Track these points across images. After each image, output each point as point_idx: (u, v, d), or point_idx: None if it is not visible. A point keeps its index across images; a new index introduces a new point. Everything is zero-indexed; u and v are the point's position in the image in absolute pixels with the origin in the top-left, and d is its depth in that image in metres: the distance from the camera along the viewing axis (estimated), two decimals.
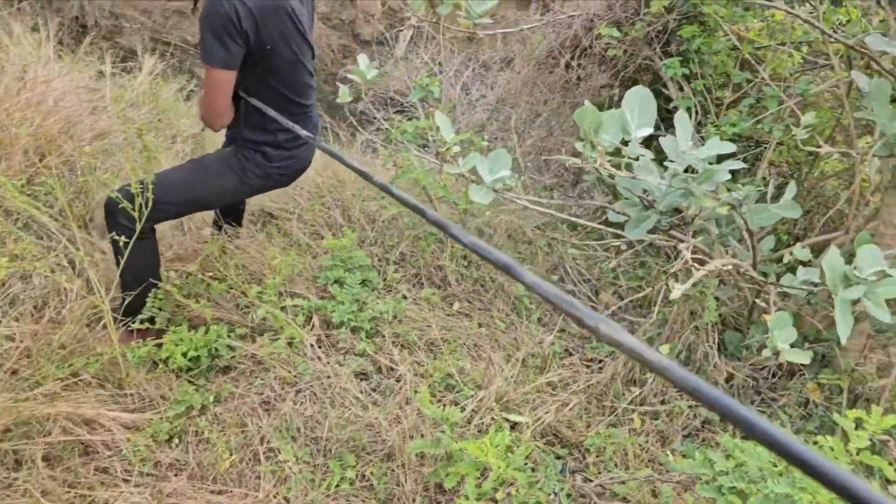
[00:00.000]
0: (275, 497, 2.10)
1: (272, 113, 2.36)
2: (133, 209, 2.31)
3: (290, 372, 2.48)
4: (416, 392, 2.46)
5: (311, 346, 2.57)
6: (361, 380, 2.58)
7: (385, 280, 3.15)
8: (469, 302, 3.26)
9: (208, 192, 2.52)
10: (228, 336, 2.55)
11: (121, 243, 2.34)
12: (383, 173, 4.20)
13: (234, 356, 2.53)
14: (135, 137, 3.28)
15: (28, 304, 2.49)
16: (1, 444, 1.95)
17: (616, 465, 2.54)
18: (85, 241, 2.86)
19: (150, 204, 2.32)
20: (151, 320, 2.50)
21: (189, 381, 2.42)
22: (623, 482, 2.42)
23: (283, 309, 2.71)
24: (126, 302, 2.49)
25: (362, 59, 3.25)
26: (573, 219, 3.32)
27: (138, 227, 2.33)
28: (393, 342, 2.75)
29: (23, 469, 1.94)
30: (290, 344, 2.58)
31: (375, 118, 6.31)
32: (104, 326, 2.38)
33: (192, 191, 2.49)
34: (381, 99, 7.62)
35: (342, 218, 3.57)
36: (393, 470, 2.23)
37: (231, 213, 3.19)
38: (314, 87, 2.66)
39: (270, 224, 3.63)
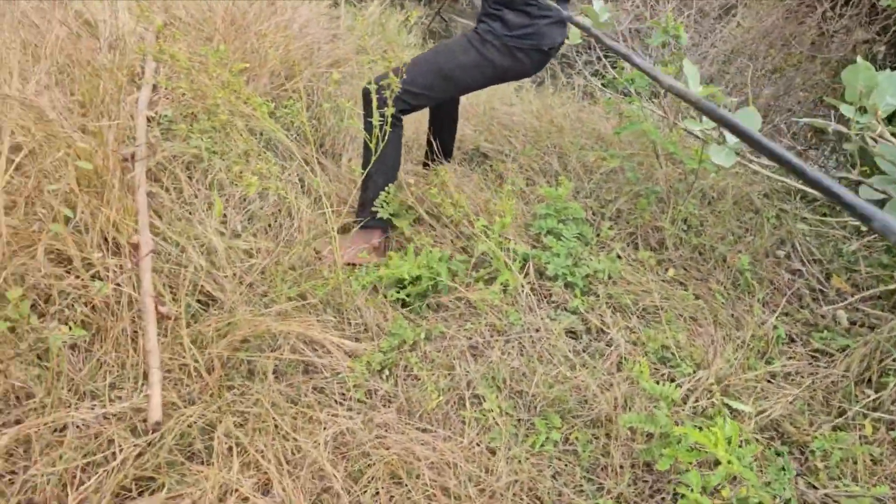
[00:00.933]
0: (478, 445, 2.09)
1: None
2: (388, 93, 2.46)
3: (500, 320, 2.45)
4: (631, 363, 2.33)
5: (526, 294, 2.51)
6: (571, 338, 2.49)
7: (598, 236, 3.01)
8: (685, 270, 3.03)
9: (451, 68, 2.62)
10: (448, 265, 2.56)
11: (374, 130, 2.49)
12: (603, 123, 3.99)
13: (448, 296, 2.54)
14: (365, 67, 3.34)
15: (263, 221, 2.64)
16: (238, 353, 2.09)
17: (843, 475, 2.27)
18: (318, 162, 2.98)
19: (400, 87, 2.48)
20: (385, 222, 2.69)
21: (404, 317, 2.46)
22: (854, 497, 2.16)
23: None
24: (366, 196, 2.64)
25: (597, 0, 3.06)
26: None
27: (390, 112, 2.51)
28: (606, 303, 2.62)
29: (255, 380, 2.07)
30: (504, 290, 2.53)
31: (576, 62, 6.03)
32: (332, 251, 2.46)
33: (437, 69, 2.61)
34: (585, 42, 7.28)
35: (558, 165, 3.44)
36: (599, 438, 2.14)
37: (443, 132, 3.20)
38: None
39: (484, 164, 3.59)
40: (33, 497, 1.64)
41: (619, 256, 2.89)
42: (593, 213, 3.17)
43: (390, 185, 2.67)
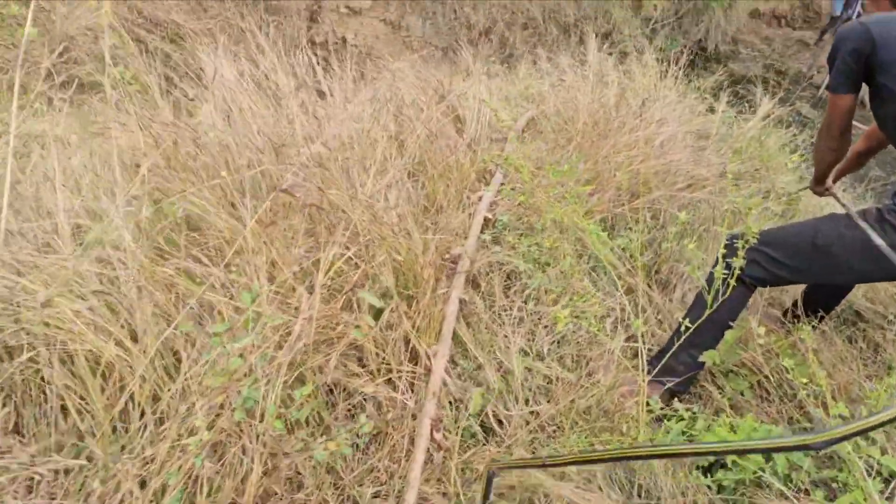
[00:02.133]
0: None
1: None
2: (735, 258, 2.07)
3: None
4: None
5: None
6: None
7: None
8: None
9: (827, 240, 2.10)
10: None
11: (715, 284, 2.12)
12: None
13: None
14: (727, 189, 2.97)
15: (572, 347, 2.44)
16: (502, 500, 1.89)
17: None
18: (645, 293, 2.69)
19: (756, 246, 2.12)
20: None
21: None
22: None
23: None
24: (674, 361, 2.25)
25: None
26: None
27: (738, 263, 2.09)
28: None
29: None
30: None
31: None
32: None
33: (808, 236, 2.13)
34: None
35: None
36: None
37: (823, 296, 2.64)
38: None
39: (855, 326, 2.91)
40: None
41: None
42: None
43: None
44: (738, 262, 2.03)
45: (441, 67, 5.99)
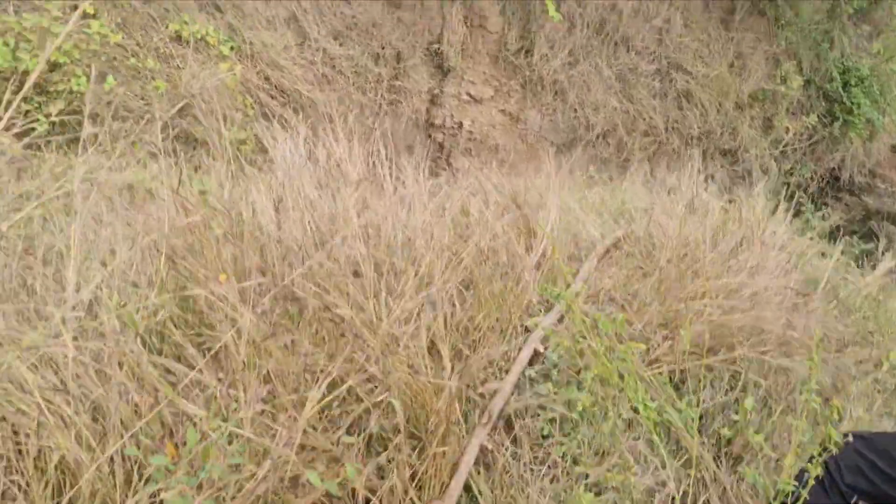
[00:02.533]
0: None
1: None
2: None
3: None
4: None
5: None
6: None
7: None
8: None
9: None
10: None
11: None
12: None
13: None
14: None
15: None
16: None
17: None
18: (710, 471, 2.29)
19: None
20: None
21: None
22: None
23: None
24: None
25: None
26: None
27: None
28: None
29: None
30: None
31: None
32: None
33: None
34: None
35: None
36: None
37: None
38: None
39: None
40: None
41: None
42: None
43: None
44: (814, 471, 1.63)
45: (542, 168, 5.83)
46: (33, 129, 5.02)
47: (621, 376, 2.26)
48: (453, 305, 2.30)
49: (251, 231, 2.12)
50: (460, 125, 9.82)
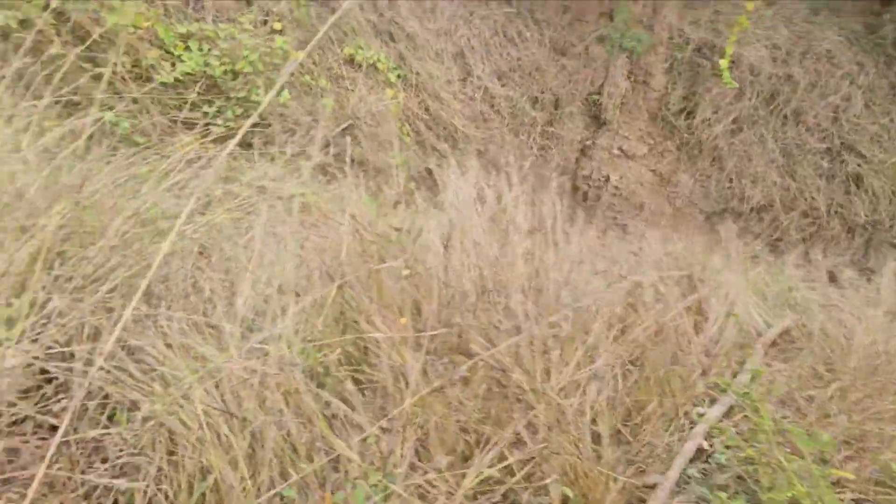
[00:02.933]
0: None
1: None
2: None
3: None
4: None
5: None
6: None
7: None
8: None
9: None
10: None
11: None
12: None
13: None
14: None
15: None
16: None
17: None
18: None
19: None
20: None
21: None
22: None
23: None
24: None
25: None
26: None
27: None
28: None
29: None
30: None
31: None
32: None
33: None
34: None
35: None
36: None
37: None
38: None
39: None
40: None
41: None
42: None
43: None
44: None
45: (695, 238, 5.49)
46: (209, 130, 5.31)
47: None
48: (616, 382, 2.11)
49: (422, 271, 2.04)
50: (607, 179, 9.57)
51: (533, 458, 1.70)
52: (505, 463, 1.55)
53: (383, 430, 1.49)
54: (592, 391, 1.92)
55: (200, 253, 2.33)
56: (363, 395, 1.68)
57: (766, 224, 9.78)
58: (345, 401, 1.67)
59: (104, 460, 1.59)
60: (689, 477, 2.09)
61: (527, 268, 2.36)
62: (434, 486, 1.48)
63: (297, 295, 1.87)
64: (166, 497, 1.56)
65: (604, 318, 2.17)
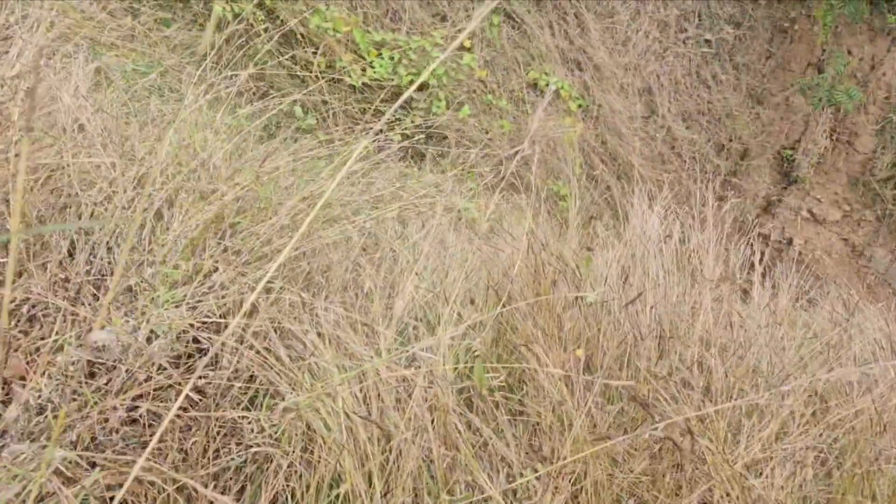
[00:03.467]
0: None
1: None
2: None
3: None
4: None
5: None
6: None
7: None
8: None
9: None
10: None
11: None
12: None
13: None
14: None
15: None
16: None
17: None
18: None
19: None
20: None
21: None
22: None
23: None
24: None
25: None
26: None
27: None
28: None
29: None
30: None
31: None
32: None
33: None
34: None
35: None
36: None
37: None
38: None
39: None
40: None
41: None
42: None
43: None
44: None
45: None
46: (389, 137, 5.40)
47: None
48: (810, 469, 1.77)
49: (596, 304, 1.83)
50: (790, 242, 8.78)
51: None
52: None
53: (537, 476, 1.29)
54: (783, 473, 1.61)
55: (364, 249, 2.26)
56: (514, 426, 1.49)
57: None
58: (496, 431, 1.49)
59: (238, 443, 1.51)
60: None
61: (712, 320, 2.07)
62: None
63: (459, 307, 1.72)
64: (293, 496, 1.46)
65: (799, 392, 1.84)
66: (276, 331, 1.60)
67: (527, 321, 1.66)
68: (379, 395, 1.51)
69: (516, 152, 6.03)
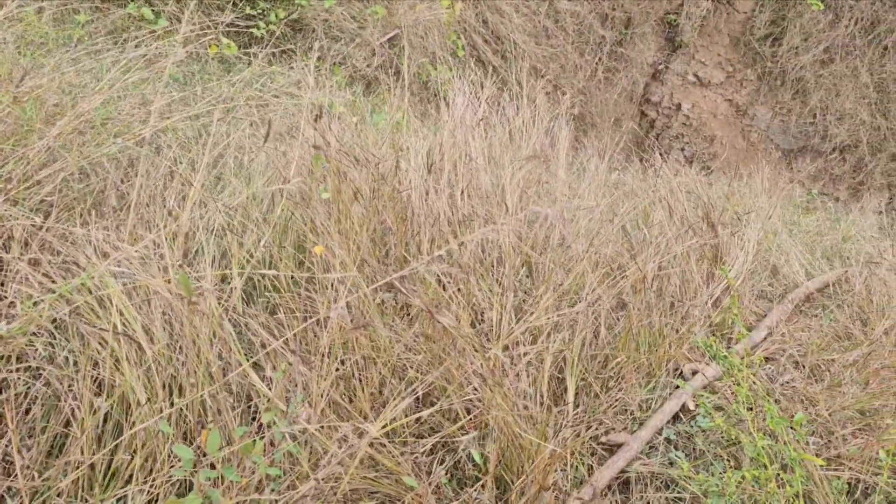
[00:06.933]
0: None
1: None
2: None
3: None
4: None
5: None
6: None
7: None
8: None
9: None
10: None
11: None
12: None
13: None
14: None
15: None
16: None
17: None
18: None
19: None
20: None
21: None
22: None
23: None
24: None
25: None
26: None
27: None
28: None
29: None
30: None
31: None
32: None
33: None
34: None
35: None
36: None
37: None
38: None
39: None
40: None
41: None
42: None
43: None
44: None
45: (758, 173, 5.05)
46: (251, 32, 5.18)
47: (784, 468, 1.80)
48: (596, 330, 1.93)
49: (392, 192, 1.88)
50: (678, 107, 9.01)
51: (476, 406, 1.56)
52: (433, 409, 1.41)
53: (303, 361, 1.37)
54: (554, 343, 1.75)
55: (181, 145, 2.22)
56: (296, 322, 1.57)
57: (848, 166, 9.07)
58: (278, 322, 1.56)
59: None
60: (667, 440, 1.91)
61: (521, 199, 2.16)
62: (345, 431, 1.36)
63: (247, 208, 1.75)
64: (74, 414, 1.50)
65: (591, 259, 1.97)
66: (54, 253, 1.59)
67: (313, 216, 1.71)
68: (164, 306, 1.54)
69: (390, 39, 5.87)
